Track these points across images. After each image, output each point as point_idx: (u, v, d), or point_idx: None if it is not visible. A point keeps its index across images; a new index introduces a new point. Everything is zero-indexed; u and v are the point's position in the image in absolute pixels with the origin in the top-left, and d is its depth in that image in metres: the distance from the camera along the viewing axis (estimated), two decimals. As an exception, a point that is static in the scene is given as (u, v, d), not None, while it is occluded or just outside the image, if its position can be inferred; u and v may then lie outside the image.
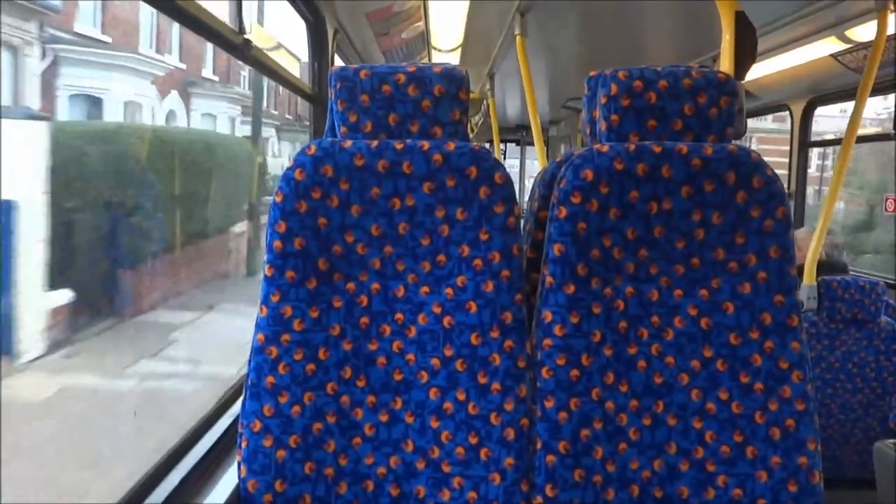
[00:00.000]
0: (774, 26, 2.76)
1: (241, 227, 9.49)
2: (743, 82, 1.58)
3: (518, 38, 2.81)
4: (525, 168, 9.39)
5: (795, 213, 3.99)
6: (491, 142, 5.76)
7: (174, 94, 12.47)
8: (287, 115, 22.23)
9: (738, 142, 1.34)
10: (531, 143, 8.37)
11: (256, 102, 13.27)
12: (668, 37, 3.59)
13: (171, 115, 12.22)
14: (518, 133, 8.39)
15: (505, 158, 9.14)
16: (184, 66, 12.91)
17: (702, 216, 1.26)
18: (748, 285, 1.27)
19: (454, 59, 4.08)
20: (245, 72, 18.44)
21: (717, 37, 1.68)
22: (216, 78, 15.23)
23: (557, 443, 1.23)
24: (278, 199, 1.23)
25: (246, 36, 1.63)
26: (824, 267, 3.01)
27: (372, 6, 2.84)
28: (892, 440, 2.17)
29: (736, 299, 1.27)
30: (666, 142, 1.26)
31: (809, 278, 2.67)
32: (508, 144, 8.85)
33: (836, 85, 3.50)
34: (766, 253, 1.26)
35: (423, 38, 3.64)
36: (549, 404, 1.24)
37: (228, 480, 1.29)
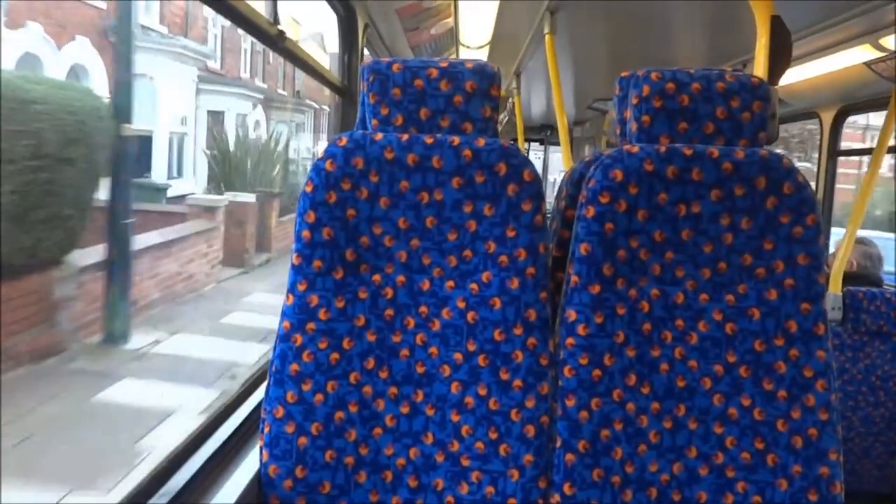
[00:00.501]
0: (808, 32, 2.73)
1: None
2: (777, 87, 1.57)
3: (547, 36, 2.81)
4: (548, 168, 9.35)
5: (823, 221, 3.92)
6: (515, 140, 5.76)
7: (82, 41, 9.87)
8: (281, 91, 20.33)
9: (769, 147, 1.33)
10: (555, 143, 8.35)
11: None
12: (698, 39, 3.56)
13: (76, 70, 9.86)
14: (542, 133, 8.36)
15: (529, 157, 9.10)
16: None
17: (730, 220, 1.25)
18: (775, 292, 1.26)
19: (482, 57, 4.08)
20: (217, 29, 15.64)
21: (748, 41, 1.67)
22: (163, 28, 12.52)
23: (577, 442, 1.24)
24: (308, 188, 1.25)
25: (280, 27, 1.65)
26: (857, 279, 2.98)
27: (403, 2, 2.85)
28: None
29: (762, 305, 1.26)
30: (697, 145, 1.26)
31: (835, 288, 2.64)
32: (532, 144, 8.82)
33: (868, 94, 3.45)
34: (794, 260, 1.25)
35: (452, 35, 3.64)
36: (570, 403, 1.25)
37: (250, 465, 1.31)
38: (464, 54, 4.07)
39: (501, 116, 6.89)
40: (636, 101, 1.29)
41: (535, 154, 9.43)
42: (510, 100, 5.34)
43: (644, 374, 1.26)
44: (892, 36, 2.64)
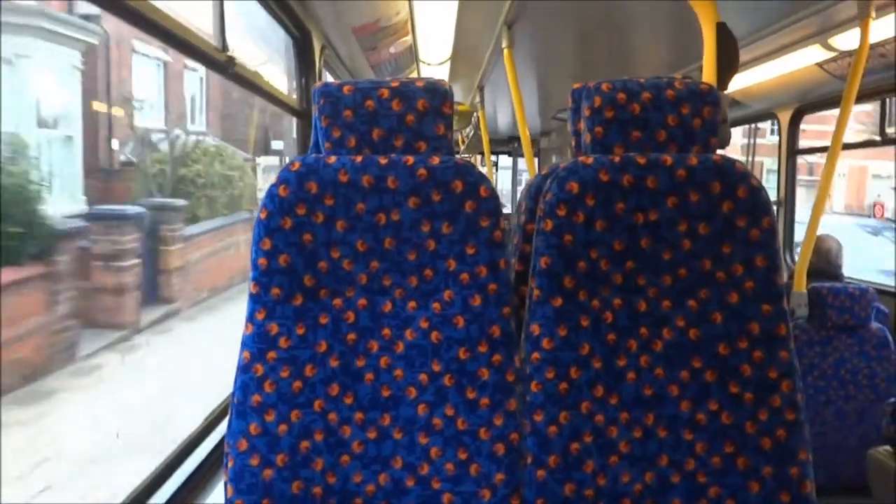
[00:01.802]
0: (758, 36, 2.79)
1: None
2: (727, 92, 1.59)
3: (506, 50, 2.82)
4: (517, 180, 9.41)
5: (785, 220, 4.00)
6: (483, 154, 5.78)
7: None
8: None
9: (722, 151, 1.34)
10: (523, 155, 8.40)
11: None
12: (655, 47, 3.61)
13: None
14: (510, 145, 8.41)
15: (497, 170, 9.14)
16: None
17: (688, 227, 1.26)
18: (736, 295, 1.26)
19: (443, 72, 4.09)
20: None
21: (702, 47, 1.69)
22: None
23: (548, 457, 1.23)
24: (263, 216, 1.23)
25: (229, 53, 1.63)
26: (820, 274, 3.02)
27: (359, 20, 2.85)
28: (885, 447, 2.17)
29: (724, 309, 1.26)
30: (650, 153, 1.26)
31: (800, 286, 2.68)
32: (499, 156, 8.87)
33: (823, 93, 3.53)
34: (752, 262, 1.26)
35: (412, 53, 3.65)
36: (538, 418, 1.24)
37: (214, 501, 1.28)
38: (425, 71, 4.08)
39: (468, 131, 6.92)
40: (588, 112, 1.29)
41: (504, 166, 9.48)
42: (475, 114, 5.36)
43: (611, 385, 1.25)
44: (842, 36, 2.70)
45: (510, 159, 9.13)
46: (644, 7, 2.77)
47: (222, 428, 1.46)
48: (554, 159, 8.16)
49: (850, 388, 2.70)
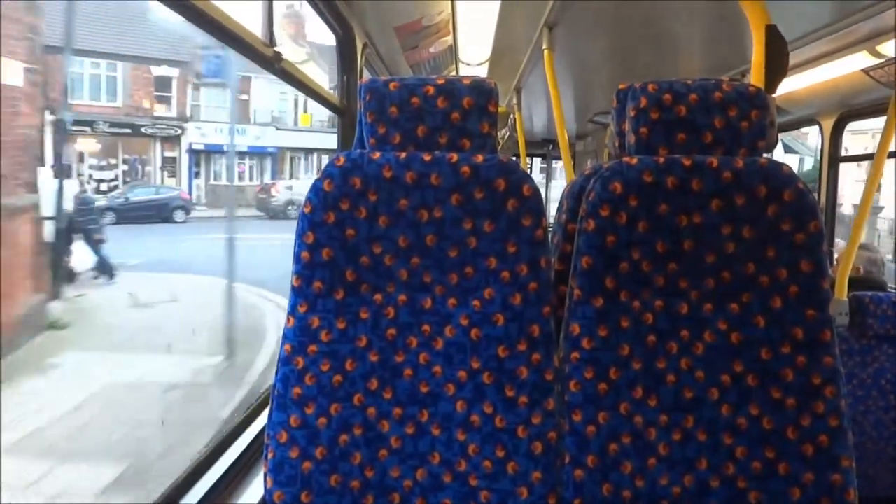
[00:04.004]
0: (806, 40, 2.74)
1: None
2: (774, 96, 1.57)
3: (546, 52, 2.82)
4: (551, 182, 9.37)
5: (826, 228, 3.92)
6: (517, 156, 5.77)
7: None
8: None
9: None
10: (557, 158, 8.36)
11: None
12: (696, 51, 3.57)
13: None
14: (544, 147, 8.38)
15: (531, 172, 9.12)
16: None
17: (732, 230, 1.24)
18: (779, 299, 1.25)
19: (482, 74, 4.10)
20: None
21: (746, 51, 1.68)
22: None
23: (585, 457, 1.22)
24: (307, 209, 1.24)
25: (276, 49, 1.66)
26: (862, 284, 2.97)
27: (401, 20, 2.87)
28: None
29: (767, 313, 1.25)
30: (696, 155, 1.25)
31: (841, 293, 2.63)
32: (535, 158, 8.84)
33: (867, 100, 3.46)
34: (797, 267, 1.24)
35: (451, 53, 3.66)
36: (577, 418, 1.24)
37: (254, 492, 1.30)
38: (463, 72, 4.09)
39: (503, 132, 6.91)
40: (634, 113, 1.29)
41: (540, 168, 9.45)
42: (511, 115, 5.36)
43: (651, 387, 1.25)
44: (890, 42, 2.65)
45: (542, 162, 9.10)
46: (685, 11, 2.74)
47: (262, 419, 1.48)
48: (589, 163, 8.11)
49: (889, 399, 2.64)
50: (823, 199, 3.92)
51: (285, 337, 1.25)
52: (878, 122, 3.12)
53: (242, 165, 24.36)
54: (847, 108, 3.69)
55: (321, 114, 24.64)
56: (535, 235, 1.25)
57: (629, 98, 1.31)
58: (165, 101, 22.18)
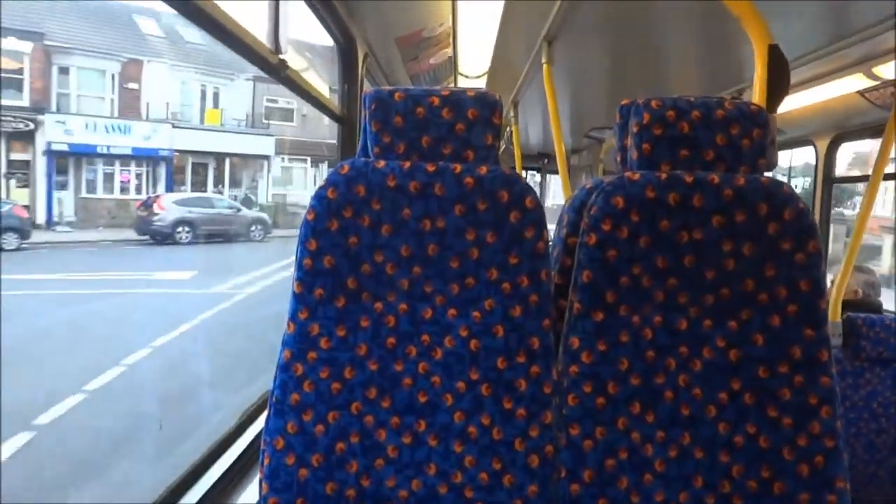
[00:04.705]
0: (802, 62, 2.77)
1: None
2: (775, 115, 1.58)
3: (545, 66, 2.84)
4: (545, 196, 9.39)
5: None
6: (513, 168, 5.78)
7: None
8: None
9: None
10: (553, 172, 8.39)
11: None
12: (693, 69, 3.60)
13: None
14: (540, 161, 8.41)
15: None
16: None
17: (732, 247, 1.25)
18: (778, 318, 1.26)
19: (480, 86, 4.12)
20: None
21: (743, 69, 1.69)
22: None
23: (582, 471, 1.22)
24: (310, 217, 1.25)
25: (281, 56, 1.66)
26: (859, 306, 2.99)
27: (402, 31, 2.88)
28: None
29: (765, 331, 1.26)
30: (698, 172, 1.26)
31: (835, 315, 2.64)
32: (530, 172, 8.87)
33: (862, 121, 3.49)
34: (796, 285, 1.25)
35: (451, 64, 3.68)
36: (574, 432, 1.24)
37: (249, 497, 1.29)
38: (462, 83, 4.11)
39: (500, 144, 6.92)
40: (637, 128, 1.30)
41: (532, 181, 9.46)
42: (508, 128, 5.38)
43: (648, 402, 1.25)
44: (885, 65, 2.68)
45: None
46: (684, 28, 2.77)
47: (258, 425, 1.47)
48: (584, 177, 8.14)
49: (882, 422, 2.65)
50: (818, 219, 3.95)
51: (285, 343, 1.25)
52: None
53: (127, 173, 18.46)
54: (842, 129, 3.73)
55: (237, 110, 21.01)
56: (536, 248, 1.25)
57: (632, 114, 1.32)
58: (14, 85, 16.05)
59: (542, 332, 1.25)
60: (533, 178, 9.11)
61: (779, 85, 1.59)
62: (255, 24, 1.51)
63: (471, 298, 1.26)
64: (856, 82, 2.94)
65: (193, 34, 19.42)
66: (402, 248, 1.26)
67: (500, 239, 1.25)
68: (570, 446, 1.23)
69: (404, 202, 1.25)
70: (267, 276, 12.80)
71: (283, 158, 22.75)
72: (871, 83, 2.89)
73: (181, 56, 19.49)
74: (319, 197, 1.25)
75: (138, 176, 18.75)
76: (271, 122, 22.23)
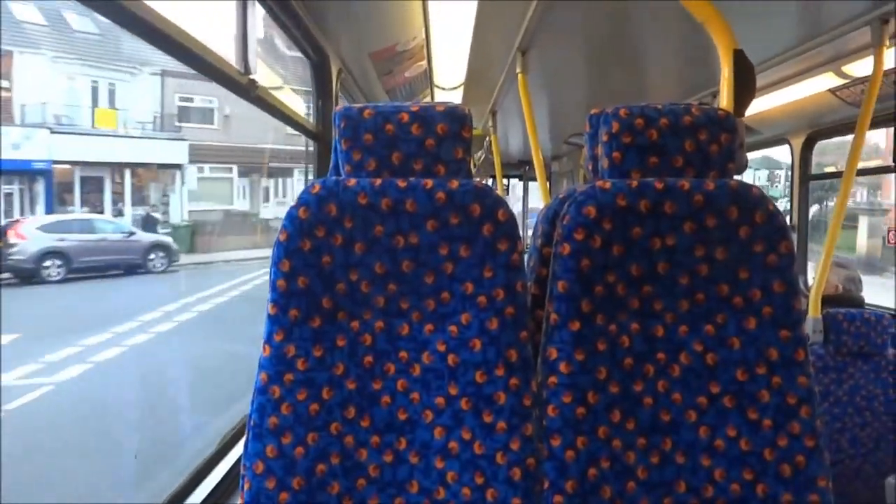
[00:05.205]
0: (773, 63, 2.80)
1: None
2: (743, 118, 1.59)
3: (520, 75, 2.85)
4: (528, 203, 9.41)
5: (798, 246, 4.00)
6: (494, 177, 5.80)
7: None
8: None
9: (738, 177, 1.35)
10: (534, 179, 8.42)
11: None
12: (668, 73, 3.63)
13: None
14: (521, 168, 8.43)
15: (508, 194, 9.18)
16: None
17: (705, 252, 1.26)
18: (753, 320, 1.26)
19: (457, 97, 4.13)
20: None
21: (715, 73, 1.70)
22: None
23: (565, 482, 1.22)
24: (282, 237, 1.24)
25: (251, 76, 1.65)
26: (840, 301, 3.01)
27: (375, 46, 2.89)
28: None
29: (742, 334, 1.26)
30: (668, 178, 1.27)
31: (815, 311, 2.66)
32: (512, 181, 8.89)
33: (835, 119, 3.54)
34: (770, 287, 1.26)
35: (427, 77, 3.69)
36: (555, 443, 1.23)
37: None
38: (438, 95, 4.11)
39: (479, 154, 6.95)
40: (606, 137, 1.30)
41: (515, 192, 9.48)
42: (487, 138, 5.40)
43: (628, 410, 1.25)
44: (854, 63, 2.71)
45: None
46: (656, 34, 2.79)
47: (238, 450, 1.45)
48: (565, 183, 8.17)
49: (865, 415, 2.67)
50: (796, 216, 3.98)
51: (261, 366, 1.24)
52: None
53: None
54: (816, 127, 3.77)
55: (141, 110, 16.72)
56: (511, 260, 1.25)
57: (601, 123, 1.32)
58: None
59: (519, 344, 1.25)
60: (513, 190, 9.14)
61: (745, 89, 1.60)
62: (221, 44, 1.50)
63: (447, 313, 1.26)
64: (827, 81, 2.98)
65: (84, 22, 15.21)
66: (376, 266, 1.25)
67: (474, 252, 1.25)
68: (552, 458, 1.23)
69: (376, 219, 1.24)
70: (145, 328, 9.22)
71: (202, 168, 18.55)
72: (842, 81, 2.92)
73: (66, 47, 15.23)
74: (291, 217, 1.24)
75: (8, 196, 13.86)
76: (186, 124, 17.98)
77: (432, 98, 4.18)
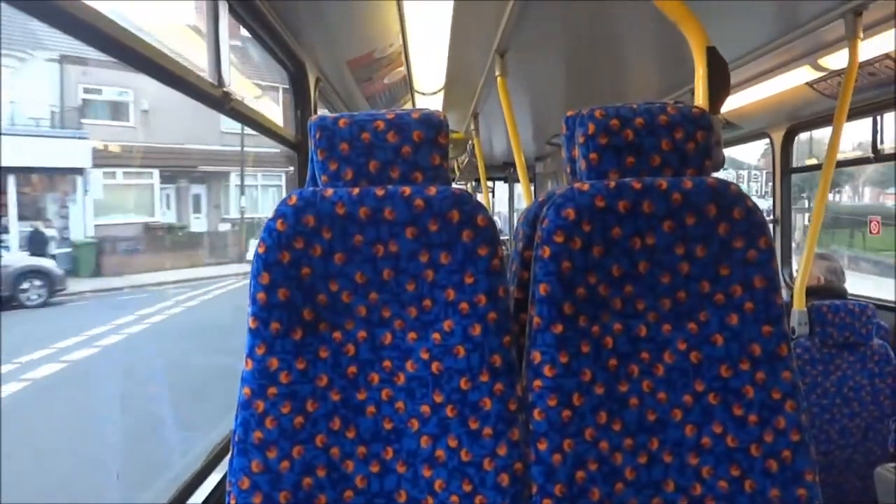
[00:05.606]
0: (749, 58, 2.82)
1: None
2: (719, 115, 1.60)
3: (499, 78, 2.85)
4: (514, 205, 9.43)
5: (782, 239, 4.02)
6: (478, 180, 5.80)
7: None
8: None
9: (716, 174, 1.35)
10: (519, 181, 8.43)
11: None
12: (645, 72, 3.65)
13: None
14: (506, 170, 8.45)
15: (493, 196, 9.20)
16: None
17: (685, 250, 1.26)
18: (735, 316, 1.26)
19: (438, 102, 4.13)
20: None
21: (692, 71, 1.71)
22: None
23: (553, 486, 1.21)
24: (261, 250, 1.23)
25: (225, 88, 1.64)
26: (824, 293, 3.03)
27: (353, 53, 2.88)
28: (892, 464, 2.15)
29: (724, 331, 1.26)
30: (645, 178, 1.27)
31: (800, 304, 2.67)
32: (496, 183, 8.90)
33: (814, 111, 3.56)
34: (751, 283, 1.26)
35: (406, 83, 3.68)
36: (542, 447, 1.23)
37: None
38: (419, 101, 4.11)
39: (462, 158, 6.95)
40: (583, 139, 1.30)
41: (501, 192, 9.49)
42: (469, 141, 5.40)
43: (614, 411, 1.24)
44: (830, 56, 2.73)
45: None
46: (633, 33, 2.80)
47: (224, 466, 1.44)
48: (549, 184, 8.19)
49: (853, 406, 2.69)
50: (778, 210, 4.01)
51: (244, 380, 1.23)
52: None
53: None
54: (795, 120, 3.80)
55: (32, 104, 13.49)
56: (491, 265, 1.25)
57: (577, 125, 1.32)
58: None
59: (503, 349, 1.25)
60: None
61: (720, 86, 1.61)
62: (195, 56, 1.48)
63: (429, 321, 1.25)
64: (804, 74, 3.00)
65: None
66: (357, 276, 1.24)
67: (455, 259, 1.24)
68: (540, 462, 1.22)
69: (355, 229, 1.23)
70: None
71: (112, 173, 15.59)
72: (818, 74, 2.95)
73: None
74: (269, 230, 1.23)
75: None
76: (93, 121, 14.87)
77: (413, 103, 4.18)
